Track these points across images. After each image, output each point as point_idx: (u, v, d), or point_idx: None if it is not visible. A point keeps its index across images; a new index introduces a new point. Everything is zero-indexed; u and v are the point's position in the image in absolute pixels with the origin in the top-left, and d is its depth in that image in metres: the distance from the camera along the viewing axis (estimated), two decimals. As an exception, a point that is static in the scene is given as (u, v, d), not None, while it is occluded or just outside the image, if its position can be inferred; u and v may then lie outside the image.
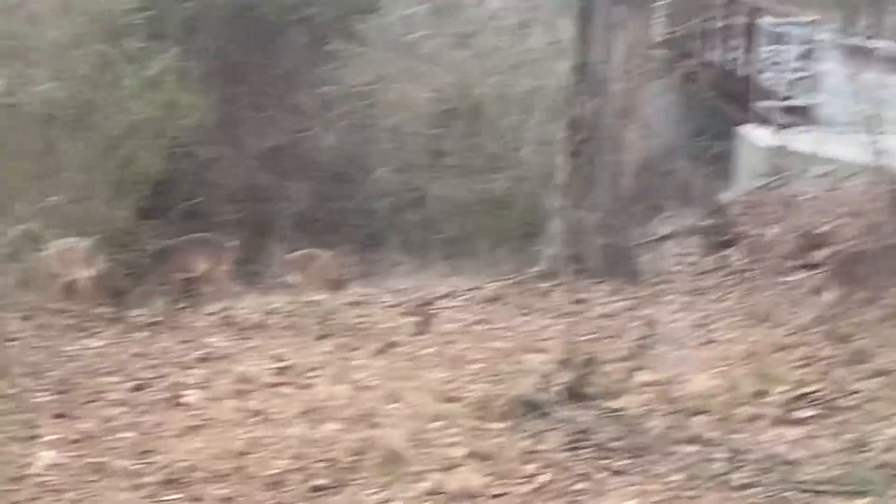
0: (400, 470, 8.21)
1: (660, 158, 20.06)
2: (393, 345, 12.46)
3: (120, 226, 18.33)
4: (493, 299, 14.79)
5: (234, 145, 20.82)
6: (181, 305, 14.17)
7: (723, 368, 10.23)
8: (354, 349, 12.24)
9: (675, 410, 9.16)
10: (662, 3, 15.69)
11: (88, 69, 18.71)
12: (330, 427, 9.20)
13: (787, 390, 9.10)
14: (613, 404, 9.47)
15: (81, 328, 12.80)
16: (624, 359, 10.45)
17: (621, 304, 14.32)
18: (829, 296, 12.06)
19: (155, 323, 13.32)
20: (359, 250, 18.77)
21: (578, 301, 14.49)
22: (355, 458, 8.49)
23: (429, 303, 14.74)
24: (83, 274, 13.29)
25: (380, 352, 12.20)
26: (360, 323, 13.67)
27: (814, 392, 9.25)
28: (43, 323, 12.57)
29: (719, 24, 22.27)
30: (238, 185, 20.73)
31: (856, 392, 9.21)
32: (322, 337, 12.74)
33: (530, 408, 9.52)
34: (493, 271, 16.34)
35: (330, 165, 20.94)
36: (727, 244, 16.15)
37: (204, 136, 20.29)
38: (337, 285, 13.22)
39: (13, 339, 11.65)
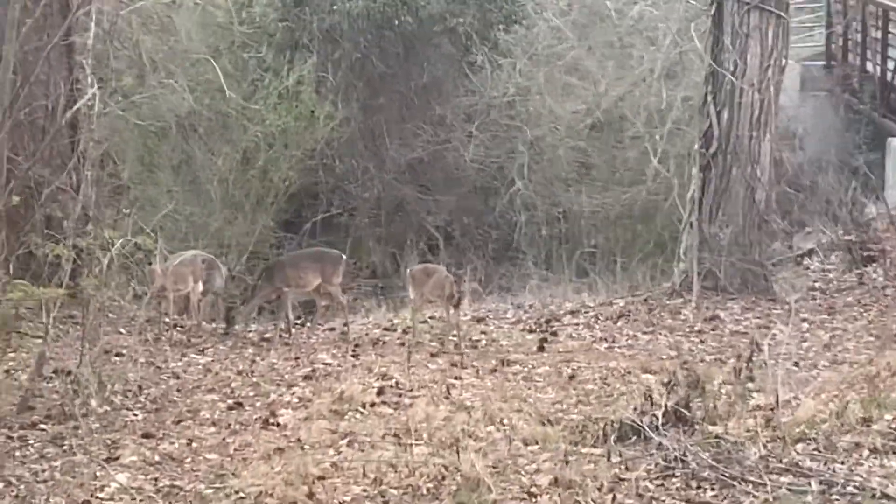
0: (477, 498, 7.92)
1: (805, 171, 19.36)
2: (508, 363, 12.18)
3: (251, 238, 18.40)
4: (620, 316, 14.40)
5: (373, 157, 20.70)
6: (297, 321, 14.14)
7: (838, 392, 9.72)
8: (466, 367, 12.00)
9: (776, 437, 8.68)
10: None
11: (225, 80, 18.78)
12: (418, 451, 8.94)
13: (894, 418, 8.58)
14: (715, 429, 9.01)
15: (190, 344, 12.79)
16: (739, 380, 9.97)
17: (753, 322, 13.85)
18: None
19: (266, 339, 13.26)
20: (493, 264, 18.58)
21: (708, 319, 14.06)
22: (435, 484, 8.21)
23: (555, 319, 14.46)
24: (196, 288, 13.25)
25: (492, 370, 11.94)
26: (479, 339, 13.44)
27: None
28: (152, 338, 12.56)
29: (878, 33, 21.40)
30: (376, 197, 20.59)
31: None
32: (435, 354, 12.53)
33: (629, 432, 9.14)
34: (625, 286, 15.94)
35: (470, 178, 20.65)
36: (869, 261, 15.51)
37: (342, 148, 20.22)
38: (456, 300, 12.94)
39: (119, 354, 11.64)
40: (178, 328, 13.41)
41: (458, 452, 8.56)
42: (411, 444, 9.07)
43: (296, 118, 18.97)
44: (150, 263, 13.09)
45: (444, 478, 8.21)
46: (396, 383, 11.09)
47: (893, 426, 8.42)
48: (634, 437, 9.06)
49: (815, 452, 8.25)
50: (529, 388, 11.20)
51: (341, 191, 20.34)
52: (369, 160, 20.63)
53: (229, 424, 9.84)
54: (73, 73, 13.23)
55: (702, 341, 13.27)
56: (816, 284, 15.21)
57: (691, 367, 9.93)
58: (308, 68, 19.09)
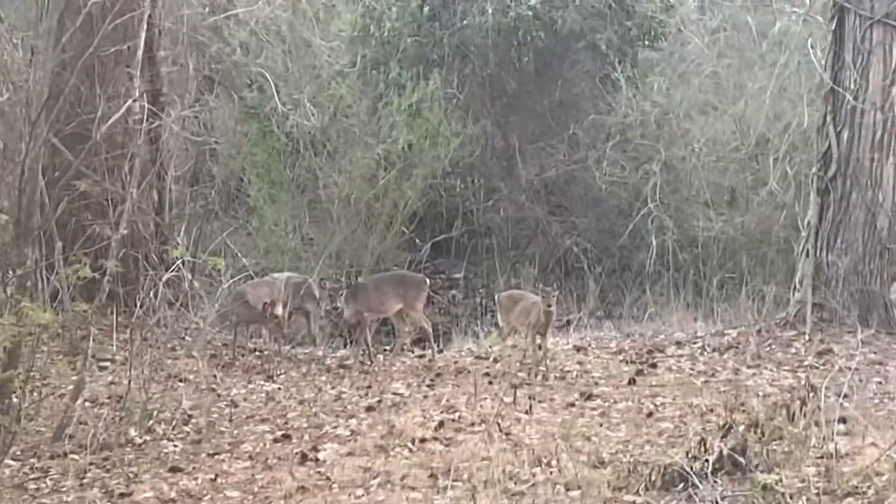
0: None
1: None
2: (590, 397, 11.57)
3: (371, 259, 18.09)
4: (727, 347, 13.63)
5: (502, 176, 20.20)
6: (377, 348, 13.74)
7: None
8: (544, 400, 11.45)
9: (828, 490, 7.95)
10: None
11: (350, 97, 18.50)
12: (451, 494, 8.44)
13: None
14: (768, 478, 8.30)
15: (262, 370, 12.50)
16: (793, 423, 9.20)
17: (867, 356, 12.95)
18: None
19: (345, 366, 12.89)
20: (611, 288, 17.90)
21: (820, 353, 13.19)
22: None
23: (658, 349, 13.78)
24: (278, 311, 12.92)
25: (571, 404, 11.35)
26: (571, 370, 12.86)
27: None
28: (223, 363, 12.29)
29: None
30: (499, 218, 20.07)
31: None
32: (517, 385, 11.98)
33: (677, 479, 8.49)
34: (739, 316, 15.12)
35: (600, 199, 19.99)
36: None
37: (470, 167, 19.76)
38: (543, 328, 12.40)
39: (183, 380, 11.39)
40: (257, 353, 13.11)
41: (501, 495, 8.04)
42: (446, 487, 8.57)
43: (420, 135, 18.49)
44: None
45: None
46: (459, 417, 10.57)
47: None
48: (682, 484, 8.38)
49: (863, 508, 7.50)
50: (602, 425, 10.54)
51: (464, 210, 19.80)
52: (498, 179, 20.10)
53: (266, 459, 9.38)
54: (153, 85, 13.09)
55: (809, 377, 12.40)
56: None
57: (749, 407, 9.15)
58: (434, 85, 18.57)
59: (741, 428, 9.07)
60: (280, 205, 18.35)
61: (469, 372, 12.78)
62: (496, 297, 13.69)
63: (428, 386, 11.90)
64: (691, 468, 8.50)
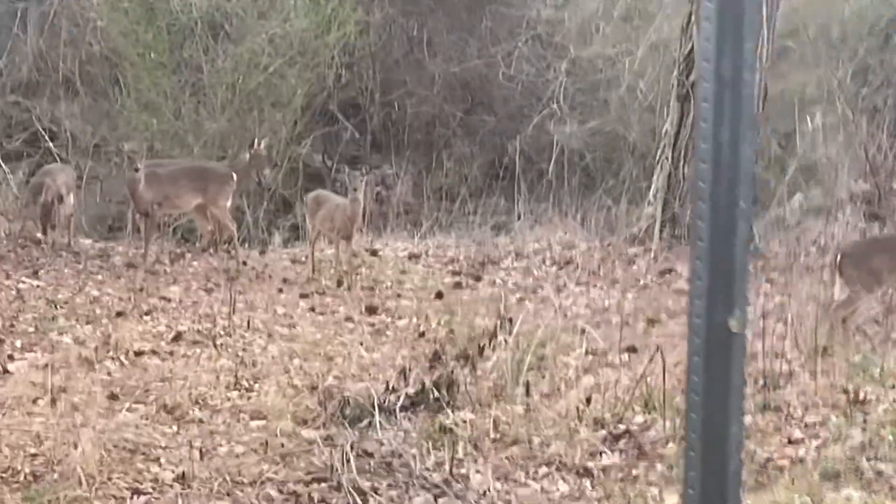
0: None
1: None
2: (374, 311, 10.68)
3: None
4: (568, 262, 12.74)
5: (413, 70, 19.00)
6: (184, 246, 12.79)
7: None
8: (326, 312, 10.60)
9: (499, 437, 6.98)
10: None
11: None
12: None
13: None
14: (447, 419, 7.35)
15: (32, 264, 11.63)
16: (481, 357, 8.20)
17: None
18: None
19: (132, 265, 12.00)
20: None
21: (662, 272, 12.25)
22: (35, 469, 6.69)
23: (493, 261, 12.84)
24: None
25: (348, 318, 10.47)
26: (383, 281, 11.98)
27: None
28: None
29: None
30: (409, 113, 18.87)
31: None
32: (306, 295, 11.09)
33: (366, 413, 7.56)
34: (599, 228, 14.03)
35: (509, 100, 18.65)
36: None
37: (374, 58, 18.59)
38: (347, 233, 11.48)
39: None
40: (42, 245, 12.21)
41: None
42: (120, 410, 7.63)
43: (317, 23, 17.34)
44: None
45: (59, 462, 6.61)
46: (207, 328, 9.62)
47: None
48: (369, 420, 7.45)
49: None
50: (361, 345, 9.60)
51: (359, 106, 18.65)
52: (406, 73, 18.96)
53: None
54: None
55: (637, 297, 11.40)
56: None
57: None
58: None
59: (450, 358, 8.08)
60: (160, 87, 17.24)
61: (270, 277, 11.86)
62: (305, 198, 12.70)
63: (206, 291, 10.92)
64: (385, 401, 7.58)
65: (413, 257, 12.94)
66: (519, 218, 15.02)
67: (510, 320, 8.58)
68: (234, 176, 12.26)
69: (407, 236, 14.15)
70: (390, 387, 7.82)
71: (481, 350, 8.09)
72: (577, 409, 7.17)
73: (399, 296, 11.35)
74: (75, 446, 6.56)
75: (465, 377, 7.80)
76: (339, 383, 8.35)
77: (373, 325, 10.28)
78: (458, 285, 11.78)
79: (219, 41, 17.45)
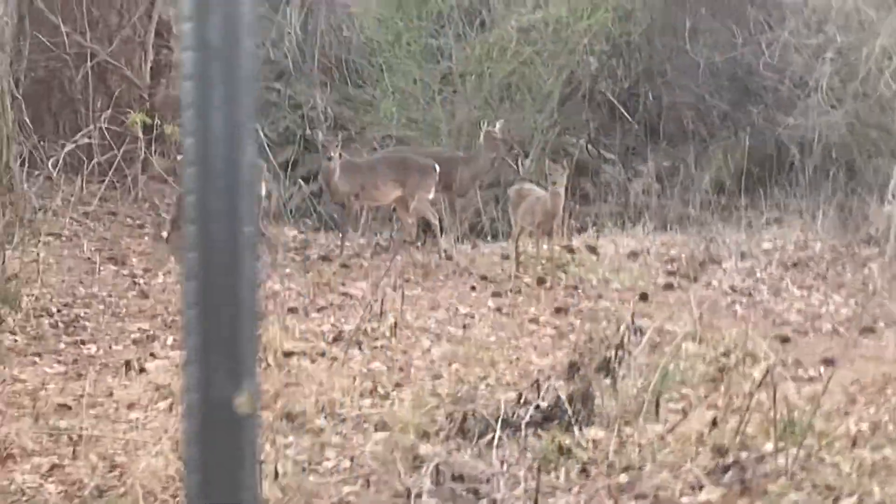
0: None
1: None
2: (563, 311, 10.11)
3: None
4: (794, 264, 11.86)
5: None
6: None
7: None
8: (512, 313, 10.09)
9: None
10: None
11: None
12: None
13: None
14: (566, 438, 6.74)
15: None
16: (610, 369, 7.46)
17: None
18: None
19: (326, 258, 11.76)
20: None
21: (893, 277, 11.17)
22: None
23: (715, 260, 12.03)
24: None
25: (534, 319, 9.93)
26: (590, 279, 11.34)
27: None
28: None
29: None
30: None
31: None
32: (498, 294, 10.61)
33: (489, 428, 7.03)
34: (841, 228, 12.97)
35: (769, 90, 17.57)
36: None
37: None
38: (548, 225, 10.91)
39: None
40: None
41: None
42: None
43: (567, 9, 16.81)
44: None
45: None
46: (380, 328, 9.24)
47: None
48: (492, 435, 6.92)
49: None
50: (535, 349, 9.08)
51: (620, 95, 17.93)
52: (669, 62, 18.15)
53: (77, 361, 8.27)
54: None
55: (860, 304, 10.47)
56: None
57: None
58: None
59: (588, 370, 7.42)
60: (410, 75, 17.03)
61: (470, 274, 11.41)
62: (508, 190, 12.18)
63: (393, 287, 10.52)
64: (514, 415, 7.05)
65: (633, 255, 12.23)
66: (762, 214, 14.06)
67: (637, 331, 7.81)
68: (437, 167, 11.83)
69: (640, 232, 13.37)
70: (523, 398, 7.24)
71: (614, 360, 7.36)
72: (704, 432, 6.44)
73: (600, 296, 10.70)
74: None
75: (604, 389, 7.13)
76: (491, 392, 7.85)
77: (557, 327, 9.70)
78: (668, 286, 11.05)
79: (474, 29, 17.06)
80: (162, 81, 12.48)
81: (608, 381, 7.28)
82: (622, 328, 7.38)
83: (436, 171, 11.76)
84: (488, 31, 17.24)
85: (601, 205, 16.48)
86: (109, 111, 11.68)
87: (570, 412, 6.94)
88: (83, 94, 11.72)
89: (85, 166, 11.41)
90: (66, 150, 10.88)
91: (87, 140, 11.29)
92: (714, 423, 6.43)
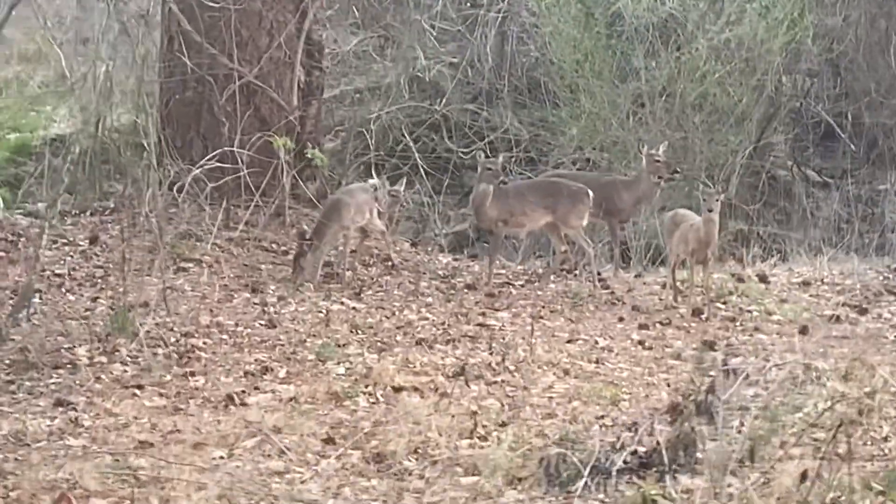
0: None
1: None
2: (712, 346, 9.42)
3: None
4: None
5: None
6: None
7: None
8: (655, 347, 9.49)
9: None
10: None
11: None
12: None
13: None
14: (653, 488, 6.14)
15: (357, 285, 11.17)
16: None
17: None
18: None
19: (471, 286, 11.34)
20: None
21: None
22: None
23: (893, 292, 11.16)
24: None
25: (676, 356, 9.29)
26: (750, 309, 10.64)
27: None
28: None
29: None
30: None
31: None
32: (645, 326, 10.03)
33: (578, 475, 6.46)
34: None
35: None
36: None
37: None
38: (702, 253, 10.27)
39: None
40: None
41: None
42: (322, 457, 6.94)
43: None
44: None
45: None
46: (503, 363, 8.74)
47: None
48: (583, 482, 6.38)
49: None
50: (668, 386, 8.47)
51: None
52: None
53: (180, 394, 8.00)
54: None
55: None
56: None
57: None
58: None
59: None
60: (597, 96, 16.50)
61: (623, 304, 10.83)
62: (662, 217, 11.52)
63: (533, 318, 9.99)
64: (608, 461, 6.48)
65: (804, 284, 11.45)
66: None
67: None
68: (590, 193, 11.27)
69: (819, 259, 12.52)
70: (621, 442, 6.66)
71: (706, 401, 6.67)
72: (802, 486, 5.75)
73: (756, 329, 9.99)
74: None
75: (705, 434, 6.49)
76: (604, 433, 7.28)
77: (701, 363, 9.03)
78: (835, 318, 10.25)
79: (668, 47, 16.45)
80: (313, 103, 12.22)
81: (708, 424, 6.64)
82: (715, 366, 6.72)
83: (589, 196, 11.21)
84: (682, 49, 16.56)
85: (804, 230, 15.75)
86: (257, 134, 11.47)
87: (665, 459, 6.33)
88: (230, 118, 11.53)
89: (230, 191, 11.24)
90: (194, 171, 10.67)
91: (231, 164, 11.09)
92: (803, 476, 5.71)
